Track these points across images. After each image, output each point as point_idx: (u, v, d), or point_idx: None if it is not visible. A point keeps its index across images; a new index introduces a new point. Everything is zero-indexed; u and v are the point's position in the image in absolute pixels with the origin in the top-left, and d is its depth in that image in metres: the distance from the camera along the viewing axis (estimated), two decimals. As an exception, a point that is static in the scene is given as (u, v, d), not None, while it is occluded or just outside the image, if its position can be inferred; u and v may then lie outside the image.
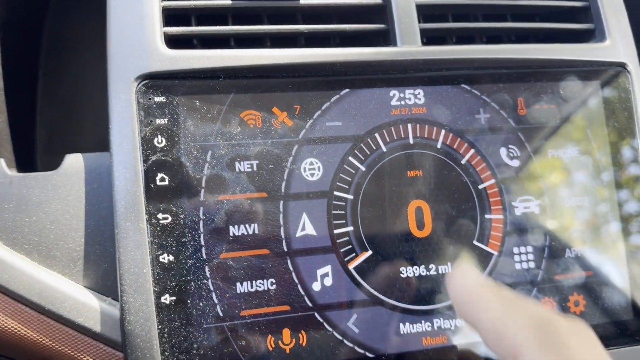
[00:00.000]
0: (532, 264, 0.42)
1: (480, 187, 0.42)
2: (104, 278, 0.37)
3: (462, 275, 0.28)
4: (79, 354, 0.37)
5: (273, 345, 0.37)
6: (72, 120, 0.55)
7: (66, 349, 0.37)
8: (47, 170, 0.38)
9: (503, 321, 0.24)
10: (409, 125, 0.41)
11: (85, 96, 0.54)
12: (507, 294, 0.26)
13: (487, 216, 0.41)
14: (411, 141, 0.41)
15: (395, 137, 0.41)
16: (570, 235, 0.43)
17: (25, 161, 0.49)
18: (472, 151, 0.42)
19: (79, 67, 0.55)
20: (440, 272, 0.40)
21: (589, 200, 0.44)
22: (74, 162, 0.38)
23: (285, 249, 0.38)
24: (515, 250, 0.42)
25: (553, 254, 0.42)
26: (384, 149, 0.41)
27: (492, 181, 0.42)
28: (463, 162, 0.42)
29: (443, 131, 0.42)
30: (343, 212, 0.39)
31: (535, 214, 0.43)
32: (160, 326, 0.35)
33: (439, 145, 0.42)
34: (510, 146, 0.43)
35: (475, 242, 0.41)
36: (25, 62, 0.52)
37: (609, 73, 0.46)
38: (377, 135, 0.41)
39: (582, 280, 0.43)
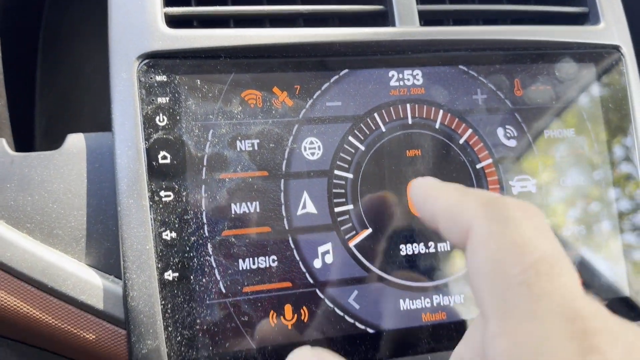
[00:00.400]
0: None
1: (477, 166, 0.42)
2: (107, 256, 0.38)
3: (421, 181, 0.29)
4: (81, 332, 0.37)
5: (275, 321, 0.37)
6: (72, 106, 0.55)
7: (69, 327, 0.37)
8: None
9: (456, 204, 0.25)
10: (408, 106, 0.42)
11: (85, 80, 0.54)
12: (462, 186, 0.27)
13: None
14: (410, 121, 0.42)
15: (394, 117, 0.42)
16: (567, 214, 0.44)
17: (25, 146, 0.49)
18: (469, 131, 0.43)
19: (78, 51, 0.55)
20: (439, 249, 0.41)
21: (585, 180, 0.45)
22: (75, 142, 0.38)
23: (287, 227, 0.38)
24: None
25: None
26: (383, 129, 0.41)
27: (490, 161, 0.43)
28: (461, 142, 0.42)
29: (441, 111, 0.42)
30: (343, 190, 0.40)
31: (532, 192, 0.43)
32: (163, 302, 0.36)
33: (437, 126, 0.42)
34: (507, 126, 0.44)
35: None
36: (24, 46, 0.52)
37: (603, 55, 0.46)
38: (376, 115, 0.41)
39: (577, 259, 0.44)
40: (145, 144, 0.36)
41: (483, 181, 0.42)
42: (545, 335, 0.20)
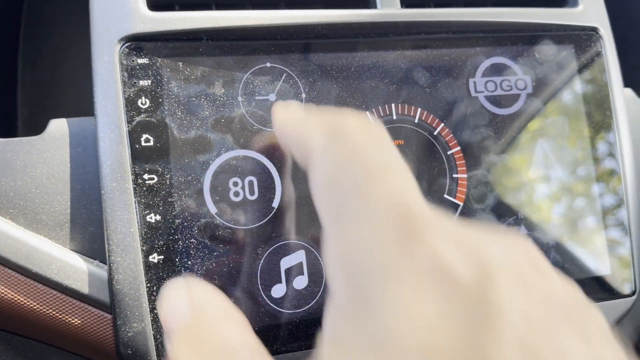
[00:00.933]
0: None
1: (448, 152, 0.43)
2: (91, 241, 0.37)
3: (281, 106, 0.30)
4: (66, 317, 0.37)
5: (264, 299, 0.37)
6: (54, 93, 0.55)
7: (54, 312, 0.37)
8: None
9: (300, 127, 0.26)
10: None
11: (68, 67, 0.53)
12: (312, 108, 0.28)
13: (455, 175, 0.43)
14: (394, 117, 0.42)
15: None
16: (536, 189, 0.44)
17: (8, 134, 0.49)
18: (442, 124, 0.43)
19: (60, 37, 0.55)
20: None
21: (563, 164, 0.45)
22: (58, 127, 0.38)
23: (275, 206, 0.38)
24: (479, 205, 0.43)
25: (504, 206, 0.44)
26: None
27: (458, 147, 0.43)
28: (435, 133, 0.43)
29: (419, 98, 0.43)
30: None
31: (499, 171, 0.44)
32: (148, 284, 0.36)
33: (416, 120, 0.43)
34: (482, 109, 0.44)
35: (445, 196, 0.42)
36: (5, 33, 0.51)
37: (581, 37, 0.47)
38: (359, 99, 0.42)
39: (552, 244, 0.44)
40: (128, 126, 0.36)
41: (454, 167, 0.43)
42: (373, 231, 0.20)
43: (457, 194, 0.43)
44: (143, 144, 0.37)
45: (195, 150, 0.37)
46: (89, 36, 0.38)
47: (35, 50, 0.53)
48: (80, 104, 0.52)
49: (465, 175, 0.43)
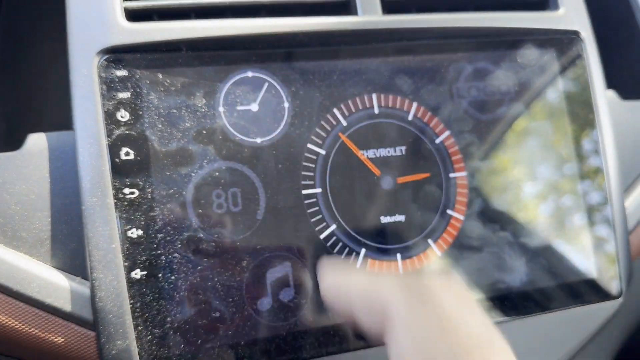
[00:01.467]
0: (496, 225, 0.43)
1: (437, 141, 0.43)
2: (73, 257, 0.37)
3: (329, 267, 0.28)
4: (49, 335, 0.36)
5: (248, 315, 0.37)
6: (32, 107, 0.54)
7: (36, 331, 0.36)
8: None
9: (371, 291, 0.24)
10: (374, 96, 0.42)
11: (45, 80, 0.53)
12: (371, 269, 0.25)
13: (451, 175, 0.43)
14: (376, 111, 0.42)
15: (361, 108, 0.42)
16: (523, 189, 0.44)
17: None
18: (435, 119, 0.43)
19: (37, 50, 0.54)
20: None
21: (548, 165, 0.45)
22: (37, 142, 0.37)
23: (260, 217, 0.38)
24: (479, 213, 0.43)
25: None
26: (344, 123, 0.41)
27: (452, 142, 0.43)
28: (437, 140, 0.43)
29: (407, 102, 0.43)
30: (312, 173, 0.40)
31: (497, 175, 0.44)
32: (132, 301, 0.35)
33: (410, 117, 0.42)
34: (470, 114, 0.44)
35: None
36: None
37: (563, 41, 0.47)
38: (342, 106, 0.41)
39: (542, 246, 0.44)
40: (108, 140, 0.36)
41: (447, 160, 0.43)
42: None
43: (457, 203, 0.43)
44: (123, 157, 0.36)
45: (176, 163, 0.37)
46: (66, 48, 0.37)
47: (12, 62, 0.52)
48: (58, 117, 0.51)
49: (464, 174, 0.43)
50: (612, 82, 0.51)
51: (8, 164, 0.37)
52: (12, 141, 0.51)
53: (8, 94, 0.52)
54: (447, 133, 0.43)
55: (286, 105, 0.40)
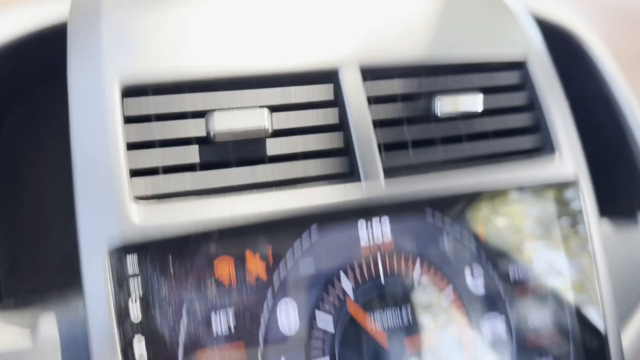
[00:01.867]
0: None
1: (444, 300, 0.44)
2: None
3: None
4: None
5: None
6: (34, 243, 0.54)
7: None
8: (9, 297, 0.38)
9: None
10: (379, 258, 0.43)
11: (46, 217, 0.53)
12: None
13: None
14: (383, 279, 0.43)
15: (367, 275, 0.43)
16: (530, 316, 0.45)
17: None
18: (438, 273, 0.44)
19: (39, 184, 0.54)
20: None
21: (551, 315, 0.46)
22: (49, 334, 0.38)
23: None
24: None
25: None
26: (352, 296, 0.42)
27: (456, 299, 0.44)
28: (425, 281, 0.44)
29: (412, 259, 0.44)
30: (321, 347, 0.40)
31: (502, 329, 0.45)
32: None
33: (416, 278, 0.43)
34: (473, 266, 0.45)
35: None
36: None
37: (560, 190, 0.48)
38: (349, 270, 0.42)
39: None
40: (121, 342, 0.36)
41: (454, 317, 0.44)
42: None
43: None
44: (136, 353, 0.37)
45: (187, 352, 0.37)
46: (68, 182, 0.38)
47: (12, 201, 0.53)
48: (59, 251, 0.51)
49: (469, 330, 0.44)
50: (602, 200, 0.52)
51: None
52: (12, 287, 0.51)
53: (9, 235, 0.53)
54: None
55: (292, 276, 0.41)
